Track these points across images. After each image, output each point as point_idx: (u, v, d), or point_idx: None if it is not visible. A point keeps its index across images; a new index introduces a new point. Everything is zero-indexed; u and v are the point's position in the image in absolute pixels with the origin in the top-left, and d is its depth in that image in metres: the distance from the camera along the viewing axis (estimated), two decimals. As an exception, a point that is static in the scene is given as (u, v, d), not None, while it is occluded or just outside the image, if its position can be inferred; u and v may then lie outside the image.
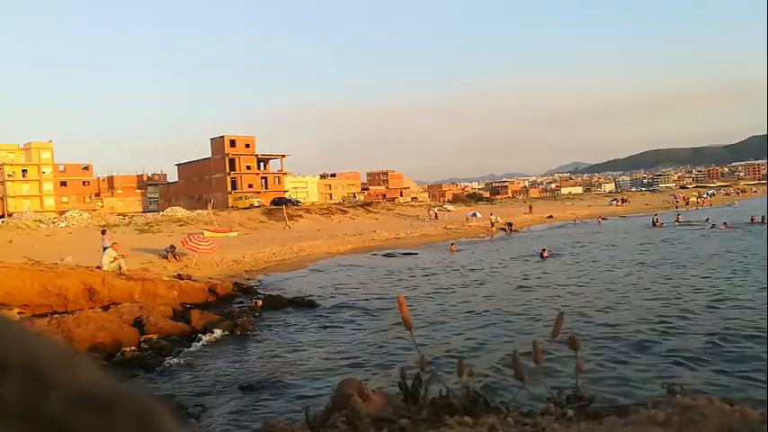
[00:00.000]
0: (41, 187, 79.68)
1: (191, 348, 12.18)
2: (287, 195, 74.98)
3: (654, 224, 42.97)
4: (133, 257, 22.54)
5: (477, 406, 1.51)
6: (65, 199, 79.43)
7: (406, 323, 1.70)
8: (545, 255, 26.63)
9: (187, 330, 13.20)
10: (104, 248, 18.96)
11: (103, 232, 22.20)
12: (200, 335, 12.95)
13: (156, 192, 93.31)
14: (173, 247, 27.16)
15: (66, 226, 37.62)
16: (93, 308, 13.78)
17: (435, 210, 62.12)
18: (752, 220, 38.85)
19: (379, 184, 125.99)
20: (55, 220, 40.09)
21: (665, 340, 10.98)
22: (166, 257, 26.59)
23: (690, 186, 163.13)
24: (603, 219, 56.67)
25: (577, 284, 18.52)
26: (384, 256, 30.43)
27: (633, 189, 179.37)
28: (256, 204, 59.81)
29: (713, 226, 37.72)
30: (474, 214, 53.19)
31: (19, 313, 12.78)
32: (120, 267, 17.42)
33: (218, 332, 12.87)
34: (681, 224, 42.10)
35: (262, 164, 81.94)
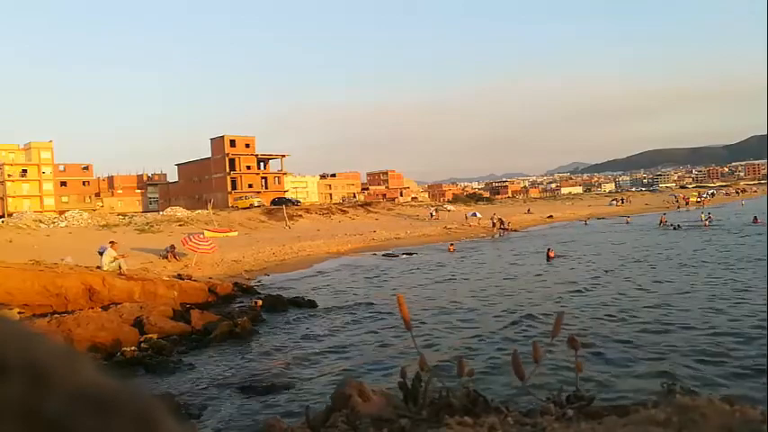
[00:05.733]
0: (41, 187, 79.70)
1: (190, 348, 12.18)
2: (287, 195, 74.98)
3: (660, 224, 42.97)
4: (133, 257, 22.53)
5: (477, 406, 1.51)
6: (65, 199, 79.45)
7: (406, 323, 1.70)
8: (551, 255, 26.20)
9: (187, 330, 13.19)
10: (100, 252, 18.45)
11: (112, 243, 20.16)
12: (199, 335, 12.96)
13: (156, 192, 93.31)
14: (173, 247, 27.15)
15: (66, 226, 37.58)
16: (93, 308, 13.76)
17: (433, 210, 62.09)
18: (755, 220, 39.20)
19: (379, 184, 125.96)
20: (55, 220, 40.05)
21: (666, 340, 10.98)
22: (166, 257, 26.58)
23: (690, 186, 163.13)
24: (600, 218, 56.67)
25: (581, 285, 18.49)
26: (384, 256, 30.44)
27: (633, 189, 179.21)
28: (256, 204, 59.78)
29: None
30: (474, 214, 53.00)
31: (19, 313, 12.76)
32: (120, 267, 17.42)
33: (217, 332, 12.86)
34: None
35: (262, 164, 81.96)
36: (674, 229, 39.11)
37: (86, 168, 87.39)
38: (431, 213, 59.09)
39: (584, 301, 15.43)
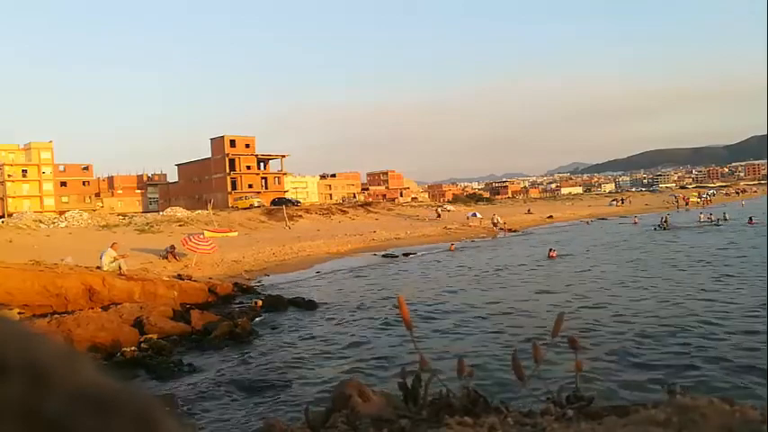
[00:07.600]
0: (41, 187, 79.74)
1: (190, 348, 12.19)
2: (287, 195, 74.99)
3: (663, 224, 42.89)
4: (133, 257, 22.53)
5: (477, 406, 1.51)
6: (65, 199, 79.47)
7: (407, 323, 1.70)
8: (552, 255, 26.27)
9: (187, 330, 13.20)
10: (101, 257, 18.35)
11: (113, 244, 20.13)
12: (199, 335, 12.96)
13: (156, 192, 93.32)
14: (173, 247, 27.15)
15: (66, 226, 37.58)
16: (93, 308, 13.77)
17: (438, 209, 62.14)
18: (750, 221, 39.32)
19: (379, 185, 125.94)
20: (55, 221, 40.05)
21: (666, 340, 10.98)
22: (166, 257, 26.58)
23: (690, 186, 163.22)
24: (602, 219, 56.48)
25: (581, 285, 18.49)
26: (384, 256, 30.44)
27: (633, 189, 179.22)
28: (256, 204, 59.79)
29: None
30: (474, 214, 52.99)
31: (19, 313, 12.76)
32: (120, 267, 17.42)
33: (217, 332, 12.86)
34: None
35: (262, 164, 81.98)
36: (680, 229, 39.13)
37: (86, 168, 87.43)
38: (436, 213, 59.06)
39: (585, 301, 15.42)
